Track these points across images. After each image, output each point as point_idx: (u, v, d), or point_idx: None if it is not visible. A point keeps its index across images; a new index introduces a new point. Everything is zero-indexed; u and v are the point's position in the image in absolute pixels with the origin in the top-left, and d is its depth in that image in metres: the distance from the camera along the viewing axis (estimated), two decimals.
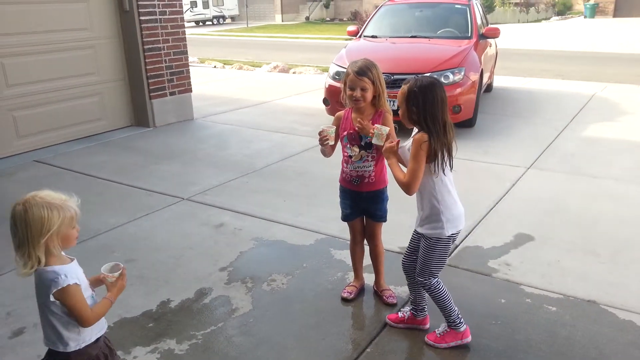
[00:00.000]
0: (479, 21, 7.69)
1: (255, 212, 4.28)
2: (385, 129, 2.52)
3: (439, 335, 2.64)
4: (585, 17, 34.46)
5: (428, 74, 6.03)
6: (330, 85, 6.72)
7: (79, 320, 1.80)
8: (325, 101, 6.86)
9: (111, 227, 4.02)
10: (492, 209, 4.31)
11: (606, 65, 14.56)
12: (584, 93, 9.45)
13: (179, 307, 2.98)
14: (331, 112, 6.91)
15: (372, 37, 7.63)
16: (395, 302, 2.97)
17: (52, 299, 1.75)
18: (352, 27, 8.12)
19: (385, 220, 2.94)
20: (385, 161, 2.61)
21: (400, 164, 2.50)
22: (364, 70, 2.64)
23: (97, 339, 1.93)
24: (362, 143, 2.74)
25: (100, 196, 4.66)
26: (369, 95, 2.67)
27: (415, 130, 2.54)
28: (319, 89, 9.99)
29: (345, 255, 3.51)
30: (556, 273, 3.31)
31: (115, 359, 2.04)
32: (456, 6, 7.81)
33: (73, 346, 1.84)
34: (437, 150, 2.34)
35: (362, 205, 2.91)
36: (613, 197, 4.55)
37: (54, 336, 1.83)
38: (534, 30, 26.80)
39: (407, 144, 2.47)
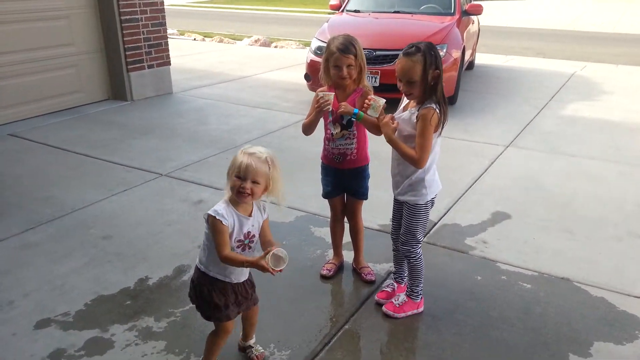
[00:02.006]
0: None
1: None
2: (382, 101, 2.49)
3: (397, 306, 2.72)
4: None
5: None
6: (311, 60, 6.64)
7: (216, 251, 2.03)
8: (306, 76, 6.79)
9: (88, 203, 3.96)
10: (470, 186, 4.35)
11: (587, 44, 14.65)
12: (564, 72, 9.51)
13: (157, 285, 2.97)
14: (312, 87, 6.84)
15: (355, 11, 7.53)
16: (374, 279, 3.00)
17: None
18: (334, 1, 8.00)
19: (366, 198, 2.95)
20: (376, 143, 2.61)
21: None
22: (348, 47, 2.60)
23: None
24: (344, 122, 2.72)
25: (76, 171, 4.57)
26: (355, 72, 2.64)
27: (404, 102, 2.53)
28: (301, 63, 9.88)
29: (325, 233, 3.52)
30: (531, 250, 3.37)
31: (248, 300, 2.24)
32: None
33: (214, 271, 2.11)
34: (444, 118, 2.39)
35: (344, 182, 2.90)
36: (589, 176, 4.62)
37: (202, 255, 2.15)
38: (516, 7, 26.74)
39: (403, 115, 2.47)
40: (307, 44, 13.00)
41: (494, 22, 18.33)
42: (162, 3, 6.83)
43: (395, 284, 2.89)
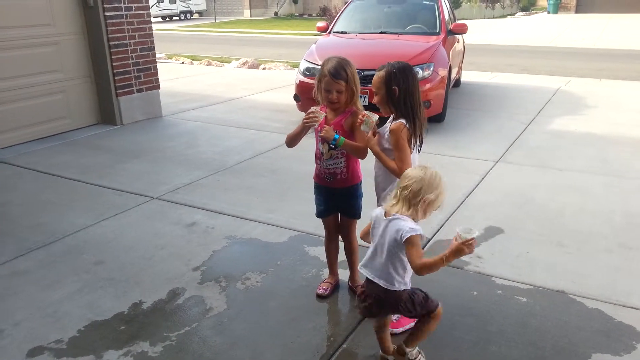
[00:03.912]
0: (446, 17, 7.77)
1: (228, 210, 4.24)
2: (375, 117, 2.55)
3: (395, 321, 2.72)
4: (548, 12, 35.23)
5: None
6: (300, 82, 6.70)
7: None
8: (296, 97, 6.84)
9: (79, 228, 3.92)
10: (462, 202, 4.37)
11: (569, 59, 14.94)
12: (548, 87, 9.68)
13: (151, 309, 2.93)
14: (302, 108, 6.89)
15: (342, 32, 7.63)
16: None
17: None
18: (321, 23, 8.11)
19: (359, 217, 2.95)
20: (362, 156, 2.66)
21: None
22: (339, 71, 2.63)
23: None
24: (331, 144, 2.73)
25: (67, 196, 4.54)
26: (344, 97, 2.67)
27: (390, 118, 2.60)
28: (290, 84, 9.93)
29: (320, 252, 3.51)
30: (525, 264, 3.39)
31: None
32: (424, 2, 7.87)
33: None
34: (414, 133, 2.49)
35: (336, 201, 2.91)
36: (578, 189, 4.68)
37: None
38: (499, 25, 27.28)
39: (383, 129, 2.55)
40: (295, 65, 13.14)
41: (478, 40, 18.65)
42: (150, 28, 6.88)
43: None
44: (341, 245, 3.09)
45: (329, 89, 2.65)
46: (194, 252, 3.59)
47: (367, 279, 2.30)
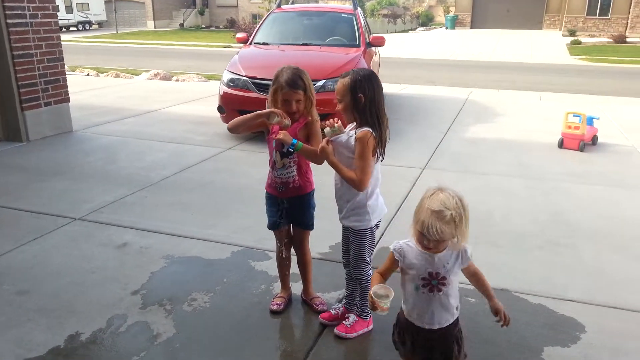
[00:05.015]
0: (364, 30, 7.97)
1: (161, 228, 4.00)
2: (339, 125, 2.48)
3: (349, 326, 2.72)
4: (446, 28, 37.49)
5: (323, 80, 6.13)
6: (225, 93, 6.54)
7: None
8: (220, 109, 6.66)
9: None
10: (399, 208, 4.46)
11: (469, 72, 15.96)
12: (457, 97, 10.23)
13: (91, 340, 2.67)
14: (227, 120, 6.72)
15: (263, 44, 7.56)
16: (326, 308, 2.93)
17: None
18: (241, 34, 7.99)
19: (312, 228, 2.89)
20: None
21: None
22: (297, 81, 2.58)
23: None
24: (284, 150, 2.66)
25: None
26: (303, 105, 2.63)
27: (351, 126, 2.54)
28: (208, 96, 9.73)
29: (267, 266, 3.41)
30: None
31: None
32: (343, 15, 8.03)
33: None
34: (380, 142, 2.43)
35: (289, 212, 2.83)
36: (502, 192, 4.94)
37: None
38: (402, 40, 28.57)
39: (341, 137, 2.47)
40: (210, 77, 12.87)
41: (384, 53, 19.35)
42: (58, 37, 6.39)
43: (341, 307, 2.85)
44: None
45: (288, 100, 2.58)
46: (130, 274, 3.34)
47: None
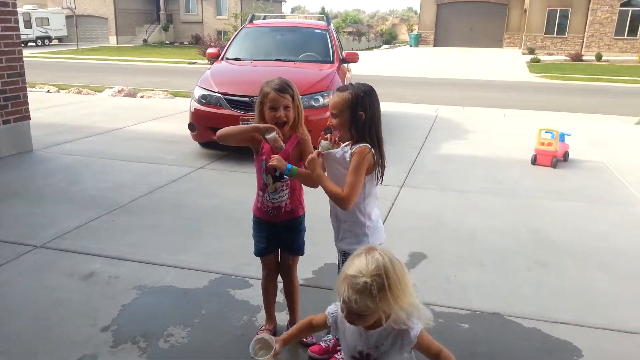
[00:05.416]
0: (337, 46, 7.91)
1: (131, 255, 3.74)
2: (338, 140, 2.32)
3: (325, 347, 2.60)
4: (410, 46, 38.16)
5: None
6: (196, 110, 6.33)
7: None
8: (191, 126, 6.44)
9: None
10: None
11: (434, 89, 16.19)
12: (426, 114, 10.29)
13: None
14: (198, 138, 6.51)
15: (236, 59, 7.39)
16: (315, 341, 2.75)
17: None
18: (212, 50, 7.79)
19: (302, 254, 2.72)
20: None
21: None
22: (284, 87, 2.43)
23: None
24: (276, 173, 2.49)
25: None
26: (292, 114, 2.45)
27: (344, 145, 2.39)
28: (175, 113, 9.48)
29: (248, 295, 3.22)
30: (457, 288, 3.39)
31: None
32: (316, 31, 7.96)
33: None
34: (378, 161, 2.27)
35: (279, 237, 2.65)
36: (481, 209, 4.88)
37: None
38: (368, 57, 28.85)
39: (335, 152, 2.32)
40: (176, 94, 12.59)
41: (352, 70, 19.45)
42: (20, 52, 6.05)
43: (332, 339, 2.69)
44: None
45: (275, 106, 2.41)
46: (98, 308, 3.08)
47: None
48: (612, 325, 2.98)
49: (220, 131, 2.52)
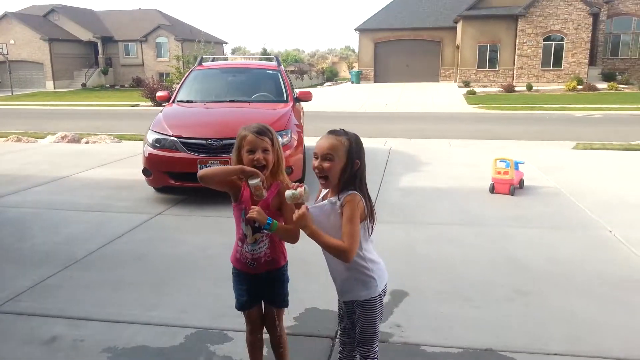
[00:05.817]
0: (290, 85, 7.91)
1: (96, 314, 3.45)
2: (307, 192, 2.19)
3: None
4: (352, 82, 39.07)
5: None
6: (150, 154, 6.08)
7: None
8: (145, 171, 6.17)
9: None
10: None
11: (380, 123, 16.56)
12: (377, 148, 10.39)
13: None
14: (153, 183, 6.24)
15: (187, 102, 7.22)
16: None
17: None
18: (162, 92, 7.59)
19: (287, 306, 2.56)
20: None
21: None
22: (263, 130, 2.33)
23: None
24: (256, 225, 2.35)
25: None
26: (271, 158, 2.34)
27: (325, 192, 2.30)
28: (124, 158, 9.14)
29: (230, 350, 3.01)
30: (445, 325, 3.31)
31: None
32: (268, 72, 7.95)
33: None
34: (370, 211, 2.22)
35: (261, 289, 2.50)
36: (453, 241, 4.88)
37: None
38: (313, 94, 29.16)
39: (324, 204, 2.22)
40: (122, 137, 12.18)
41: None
42: None
43: None
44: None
45: (253, 149, 2.30)
46: None
47: None
48: (605, 354, 2.97)
49: (202, 171, 2.36)
